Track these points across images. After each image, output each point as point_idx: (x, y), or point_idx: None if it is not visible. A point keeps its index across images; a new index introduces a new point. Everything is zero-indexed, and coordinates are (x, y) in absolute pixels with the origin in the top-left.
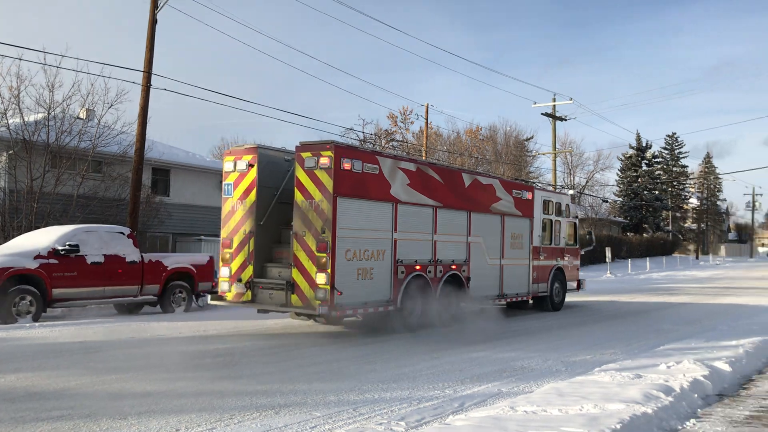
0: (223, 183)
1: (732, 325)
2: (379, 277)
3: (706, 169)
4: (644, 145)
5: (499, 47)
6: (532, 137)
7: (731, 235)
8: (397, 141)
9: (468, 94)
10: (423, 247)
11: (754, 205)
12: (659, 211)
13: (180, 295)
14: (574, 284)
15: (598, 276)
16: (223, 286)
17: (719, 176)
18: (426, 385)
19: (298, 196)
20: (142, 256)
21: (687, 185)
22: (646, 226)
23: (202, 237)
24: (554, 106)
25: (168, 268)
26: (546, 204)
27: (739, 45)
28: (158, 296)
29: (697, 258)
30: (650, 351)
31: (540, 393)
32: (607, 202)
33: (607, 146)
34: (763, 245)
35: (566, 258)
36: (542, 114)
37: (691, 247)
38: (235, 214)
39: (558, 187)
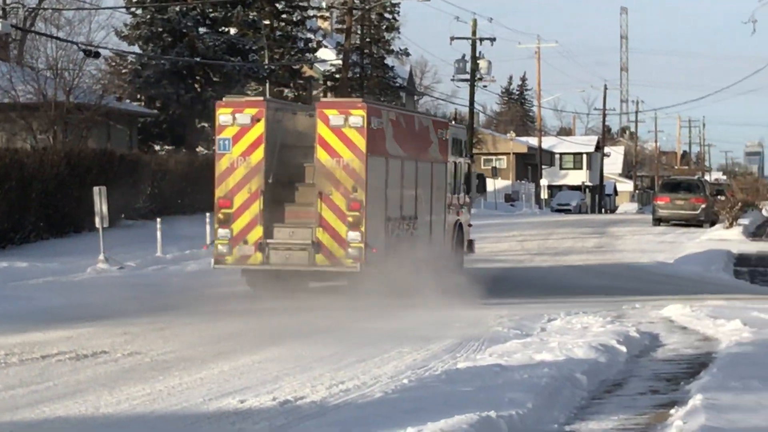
0: (218, 137)
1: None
2: (380, 235)
3: None
4: None
5: None
6: None
7: None
8: None
9: None
10: (396, 202)
11: (475, 62)
12: (236, 82)
13: None
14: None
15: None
16: (220, 249)
17: None
18: None
19: (322, 155)
20: None
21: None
22: (206, 125)
23: None
24: None
25: None
26: (454, 143)
27: None
28: None
29: None
30: None
31: None
32: (91, 55)
33: None
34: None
35: (463, 211)
36: None
37: None
38: (236, 171)
39: None
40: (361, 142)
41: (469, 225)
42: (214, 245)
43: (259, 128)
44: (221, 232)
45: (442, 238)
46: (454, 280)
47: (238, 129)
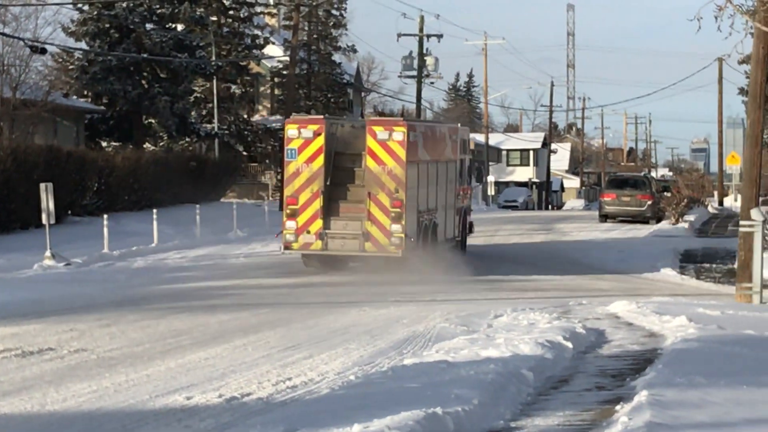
0: (286, 147)
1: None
2: (414, 226)
3: None
4: None
5: None
6: None
7: None
8: None
9: None
10: (424, 198)
11: (422, 59)
12: (183, 78)
13: None
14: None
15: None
16: (288, 237)
17: None
18: None
19: (371, 162)
20: None
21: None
22: (153, 122)
23: None
24: None
25: None
26: (461, 143)
27: None
28: None
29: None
30: None
31: None
32: (38, 51)
33: None
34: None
35: (467, 198)
36: None
37: (271, 176)
38: (300, 175)
39: None
40: (402, 153)
41: (471, 210)
42: (282, 234)
43: (320, 141)
44: (289, 224)
45: (453, 224)
46: (457, 260)
47: (303, 141)
